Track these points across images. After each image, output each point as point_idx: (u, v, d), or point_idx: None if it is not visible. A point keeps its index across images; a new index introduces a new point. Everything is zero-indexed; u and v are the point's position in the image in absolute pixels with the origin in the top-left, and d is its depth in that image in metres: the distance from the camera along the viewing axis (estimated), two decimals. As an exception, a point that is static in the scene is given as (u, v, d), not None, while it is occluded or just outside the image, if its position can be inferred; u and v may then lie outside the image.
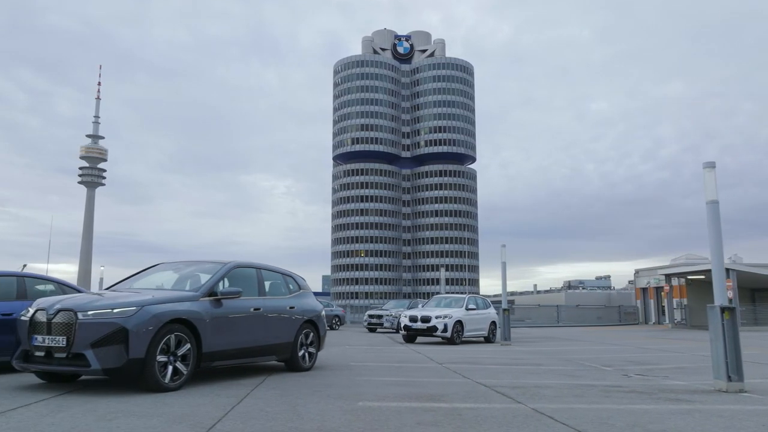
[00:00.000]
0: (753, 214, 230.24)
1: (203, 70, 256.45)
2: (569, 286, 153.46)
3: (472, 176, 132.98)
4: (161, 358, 6.01)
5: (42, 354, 5.87)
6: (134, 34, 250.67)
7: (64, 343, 5.75)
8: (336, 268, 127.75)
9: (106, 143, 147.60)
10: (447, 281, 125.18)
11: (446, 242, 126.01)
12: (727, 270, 25.96)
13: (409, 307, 24.35)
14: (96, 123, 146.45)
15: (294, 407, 5.33)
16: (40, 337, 5.87)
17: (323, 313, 9.31)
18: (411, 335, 16.93)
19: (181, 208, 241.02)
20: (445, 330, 16.07)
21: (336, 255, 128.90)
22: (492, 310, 18.83)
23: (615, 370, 9.65)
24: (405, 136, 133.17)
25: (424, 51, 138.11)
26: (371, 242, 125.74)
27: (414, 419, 4.83)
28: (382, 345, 15.62)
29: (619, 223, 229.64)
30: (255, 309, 7.51)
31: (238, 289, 7.13)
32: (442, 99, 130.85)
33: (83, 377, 6.98)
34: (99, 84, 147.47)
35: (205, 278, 7.16)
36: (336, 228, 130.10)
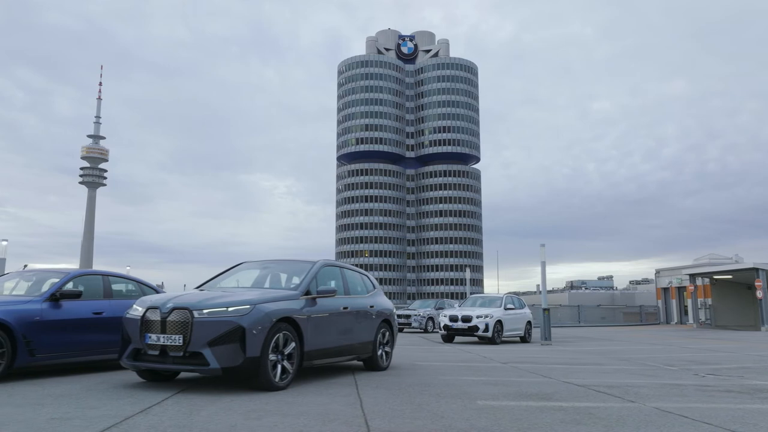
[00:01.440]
0: (755, 214, 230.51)
1: (203, 69, 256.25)
2: (572, 286, 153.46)
3: (476, 176, 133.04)
4: (272, 357, 6.02)
5: (156, 353, 5.87)
6: (133, 31, 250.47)
7: (181, 341, 5.74)
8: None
9: (105, 143, 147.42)
10: (449, 281, 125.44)
11: (450, 242, 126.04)
12: (757, 270, 26.02)
13: (437, 307, 24.35)
14: (97, 123, 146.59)
15: (419, 405, 5.32)
16: (154, 336, 5.86)
17: (395, 312, 9.32)
18: (450, 335, 16.93)
19: (181, 207, 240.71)
20: (486, 330, 16.07)
21: (340, 255, 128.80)
22: (527, 310, 18.84)
23: (681, 369, 9.64)
24: (409, 136, 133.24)
25: (428, 51, 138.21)
26: (375, 242, 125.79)
27: (551, 418, 4.83)
28: (423, 344, 15.61)
29: (620, 223, 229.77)
30: (344, 308, 7.51)
31: (333, 288, 7.13)
32: (447, 99, 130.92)
33: (180, 376, 6.99)
34: (100, 84, 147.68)
35: (299, 277, 7.15)
36: (340, 228, 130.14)
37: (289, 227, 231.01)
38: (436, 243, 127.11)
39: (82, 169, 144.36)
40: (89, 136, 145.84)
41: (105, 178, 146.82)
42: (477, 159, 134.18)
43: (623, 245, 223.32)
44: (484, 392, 6.33)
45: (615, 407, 5.51)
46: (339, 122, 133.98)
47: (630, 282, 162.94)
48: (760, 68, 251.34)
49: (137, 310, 6.16)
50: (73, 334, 7.04)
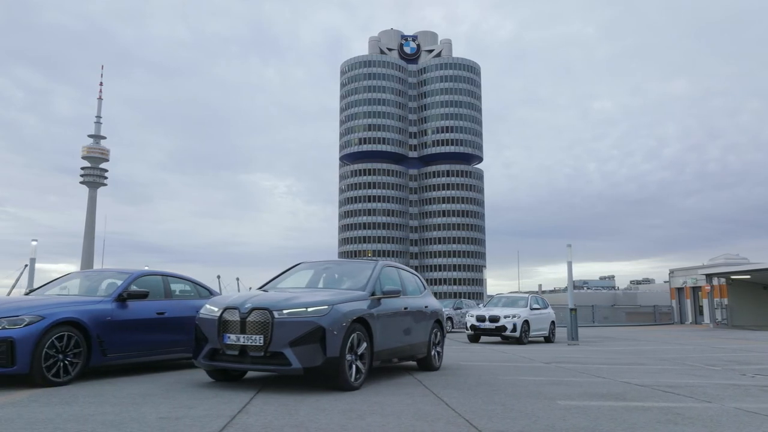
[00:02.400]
0: (756, 214, 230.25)
1: (203, 68, 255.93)
2: (574, 286, 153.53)
3: (479, 176, 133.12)
4: (348, 357, 6.05)
5: (235, 353, 5.90)
6: (133, 31, 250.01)
7: (261, 341, 5.77)
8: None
9: (105, 142, 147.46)
10: (454, 281, 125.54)
11: (453, 242, 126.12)
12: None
13: (455, 307, 24.38)
14: (98, 123, 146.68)
15: (504, 405, 5.36)
16: (233, 336, 5.89)
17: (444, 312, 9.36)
18: (477, 335, 16.97)
19: (181, 207, 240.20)
20: (514, 330, 16.12)
21: (343, 255, 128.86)
22: (551, 310, 18.89)
23: (726, 369, 9.67)
24: (412, 136, 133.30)
25: (430, 51, 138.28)
26: (378, 242, 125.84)
27: (645, 418, 4.86)
28: (452, 345, 15.62)
29: (621, 223, 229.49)
30: (404, 308, 7.55)
31: (399, 288, 7.17)
32: (449, 99, 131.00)
33: (247, 375, 7.03)
34: (101, 84, 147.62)
35: (363, 278, 7.18)
36: (343, 228, 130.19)
37: (289, 227, 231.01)
38: (439, 243, 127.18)
39: (82, 169, 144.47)
40: (90, 136, 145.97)
41: (106, 178, 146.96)
42: (480, 159, 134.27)
43: (623, 245, 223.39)
44: (556, 392, 6.36)
45: (697, 407, 5.54)
46: (342, 122, 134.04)
47: (630, 282, 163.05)
48: (762, 68, 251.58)
49: (213, 310, 6.18)
50: (140, 333, 7.08)
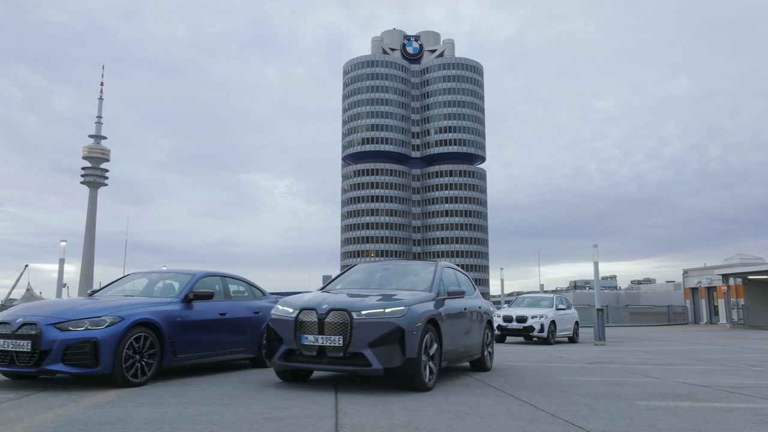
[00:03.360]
0: (756, 214, 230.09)
1: (202, 67, 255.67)
2: (575, 286, 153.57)
3: (482, 176, 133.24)
4: (422, 358, 6.09)
5: (313, 353, 5.93)
6: (132, 29, 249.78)
7: (340, 342, 5.80)
8: (345, 268, 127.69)
9: (105, 142, 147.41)
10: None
11: (456, 242, 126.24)
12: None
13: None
14: (99, 123, 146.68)
15: (587, 405, 5.38)
16: (311, 337, 5.92)
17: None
18: (503, 335, 17.00)
19: (181, 207, 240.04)
20: (541, 330, 16.15)
21: (346, 255, 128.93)
22: (574, 310, 18.93)
23: (768, 370, 9.71)
24: (415, 136, 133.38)
25: (433, 51, 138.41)
26: (381, 242, 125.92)
27: (738, 419, 4.90)
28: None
29: (621, 223, 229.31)
30: (464, 309, 7.58)
31: (463, 289, 7.21)
32: (452, 99, 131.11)
33: (314, 376, 7.07)
34: (102, 84, 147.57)
35: (427, 278, 7.21)
36: (346, 228, 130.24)
37: (289, 227, 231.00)
38: (442, 243, 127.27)
39: (83, 169, 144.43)
40: (90, 136, 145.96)
41: (106, 178, 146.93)
42: (483, 159, 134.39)
43: (624, 245, 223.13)
44: (626, 393, 6.37)
45: (774, 408, 5.58)
46: (344, 122, 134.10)
47: (631, 282, 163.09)
48: (763, 67, 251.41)
49: (287, 311, 6.21)
50: (205, 334, 7.11)
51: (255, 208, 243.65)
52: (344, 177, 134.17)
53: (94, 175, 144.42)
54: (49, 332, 5.62)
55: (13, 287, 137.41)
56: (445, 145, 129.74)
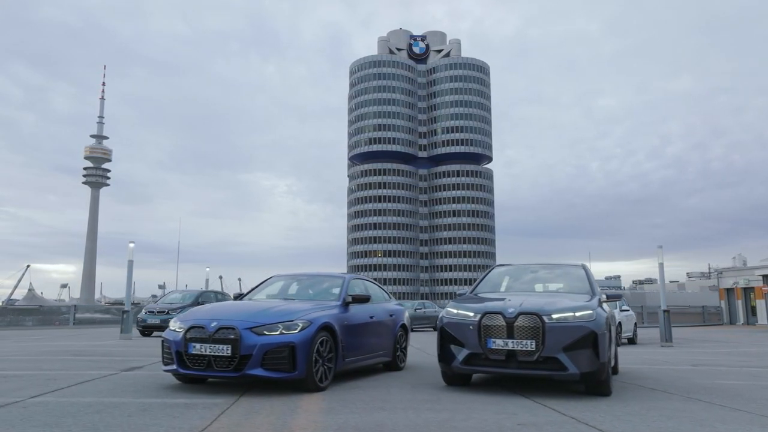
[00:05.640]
0: (758, 213, 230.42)
1: (202, 65, 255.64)
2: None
3: (489, 176, 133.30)
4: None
5: (501, 357, 5.88)
6: (131, 27, 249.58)
7: (533, 346, 5.76)
8: (353, 269, 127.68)
9: (105, 141, 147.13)
10: (464, 282, 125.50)
11: (463, 242, 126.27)
12: None
13: None
14: (100, 123, 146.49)
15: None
16: (499, 341, 5.87)
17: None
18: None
19: (181, 207, 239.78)
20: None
21: (353, 255, 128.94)
22: (632, 312, 18.89)
23: None
24: (421, 136, 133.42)
25: (439, 51, 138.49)
26: (388, 242, 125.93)
27: None
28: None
29: (622, 222, 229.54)
30: (613, 316, 7.54)
31: (620, 293, 7.16)
32: (459, 99, 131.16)
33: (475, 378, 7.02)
34: (103, 84, 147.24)
35: (584, 282, 7.20)
36: (353, 228, 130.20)
37: (289, 227, 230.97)
38: (449, 243, 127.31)
39: (85, 169, 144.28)
40: (92, 136, 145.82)
41: (108, 178, 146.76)
42: (489, 159, 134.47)
43: (625, 245, 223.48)
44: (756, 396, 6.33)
45: None
46: (351, 122, 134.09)
47: (633, 281, 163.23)
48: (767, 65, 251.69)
49: (468, 315, 6.16)
50: (362, 337, 7.07)
51: (255, 207, 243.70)
52: (351, 177, 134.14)
53: (96, 176, 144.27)
54: (248, 337, 5.57)
55: (15, 287, 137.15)
56: (452, 145, 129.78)
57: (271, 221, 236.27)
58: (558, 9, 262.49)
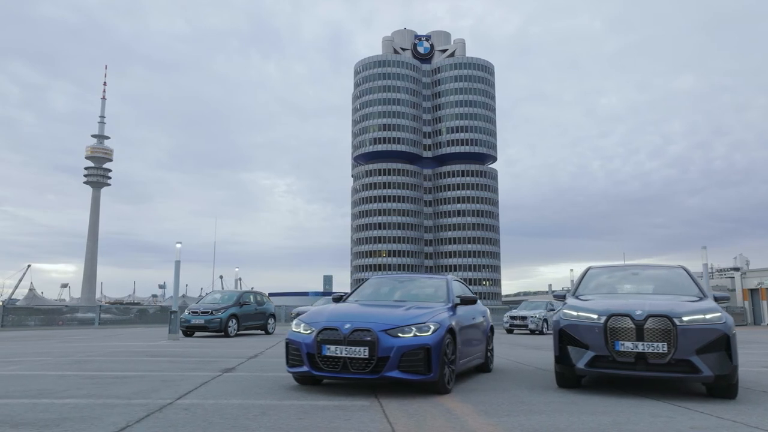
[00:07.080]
0: (760, 213, 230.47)
1: (202, 63, 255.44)
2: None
3: (494, 176, 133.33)
4: (731, 365, 6.02)
5: (630, 360, 5.85)
6: (130, 25, 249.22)
7: (665, 349, 5.73)
8: (357, 269, 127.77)
9: (106, 141, 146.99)
10: (469, 281, 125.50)
11: (468, 242, 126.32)
12: None
13: (548, 309, 24.41)
14: (102, 123, 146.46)
15: None
16: (628, 344, 5.85)
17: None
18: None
19: (181, 206, 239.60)
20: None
21: (357, 255, 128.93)
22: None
23: None
24: (426, 136, 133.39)
25: (444, 51, 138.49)
26: (393, 242, 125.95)
27: None
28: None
29: (624, 222, 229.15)
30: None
31: (728, 295, 7.16)
32: (463, 99, 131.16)
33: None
34: (105, 84, 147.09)
35: (690, 284, 7.18)
36: (357, 228, 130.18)
37: (289, 226, 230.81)
38: (454, 243, 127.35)
39: (86, 169, 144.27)
40: (93, 136, 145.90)
41: (109, 178, 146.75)
42: (494, 159, 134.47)
43: (626, 244, 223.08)
44: None
45: None
46: (355, 122, 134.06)
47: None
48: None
49: (591, 317, 6.14)
50: (469, 339, 7.06)
51: (255, 207, 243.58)
52: (355, 177, 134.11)
53: (98, 175, 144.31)
54: (385, 339, 5.54)
55: (16, 287, 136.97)
56: (457, 145, 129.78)
57: (272, 220, 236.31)
58: (560, 7, 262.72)
